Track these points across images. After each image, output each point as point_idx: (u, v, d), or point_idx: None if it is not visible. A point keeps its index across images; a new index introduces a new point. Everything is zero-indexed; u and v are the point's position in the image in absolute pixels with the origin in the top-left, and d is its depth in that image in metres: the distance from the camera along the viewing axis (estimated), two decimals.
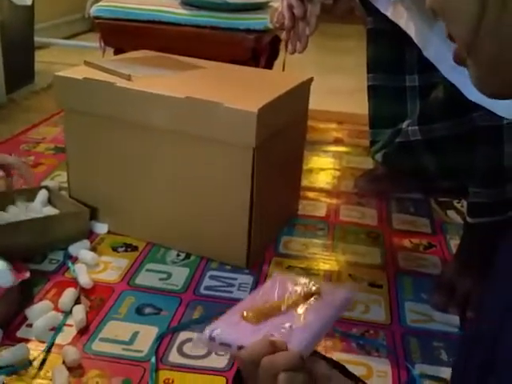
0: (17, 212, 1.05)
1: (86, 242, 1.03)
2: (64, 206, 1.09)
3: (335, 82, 2.20)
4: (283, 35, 0.94)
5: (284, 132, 1.05)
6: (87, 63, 1.05)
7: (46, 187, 1.13)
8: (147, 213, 1.05)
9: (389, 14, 0.91)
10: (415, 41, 0.87)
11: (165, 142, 0.99)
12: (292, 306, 0.53)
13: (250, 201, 0.96)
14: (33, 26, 2.14)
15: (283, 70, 1.51)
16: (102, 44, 1.34)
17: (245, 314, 0.51)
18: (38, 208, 1.07)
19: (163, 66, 1.10)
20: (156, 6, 1.33)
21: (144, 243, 1.06)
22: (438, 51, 0.82)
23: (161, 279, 0.96)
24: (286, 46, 0.95)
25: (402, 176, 1.15)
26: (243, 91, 1.02)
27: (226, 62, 1.20)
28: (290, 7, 0.90)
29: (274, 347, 0.46)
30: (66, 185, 1.25)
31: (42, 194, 1.10)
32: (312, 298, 0.54)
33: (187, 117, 0.94)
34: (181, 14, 1.30)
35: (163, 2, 1.36)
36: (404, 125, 0.99)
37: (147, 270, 0.98)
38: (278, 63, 1.60)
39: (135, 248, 1.05)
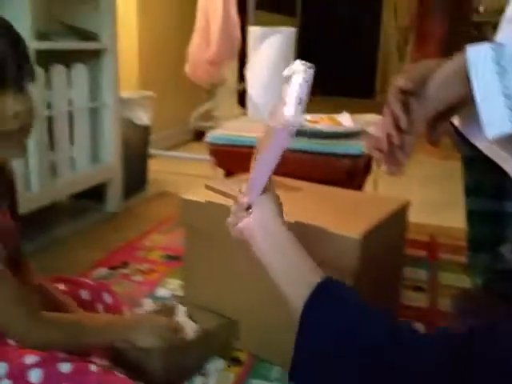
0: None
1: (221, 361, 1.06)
2: (203, 319, 1.13)
3: (427, 194, 2.25)
4: (378, 155, 0.98)
5: (383, 255, 1.11)
6: (208, 187, 1.20)
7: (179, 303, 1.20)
8: (254, 326, 1.12)
9: (486, 151, 0.97)
10: None
11: None
12: None
13: None
14: (148, 141, 2.42)
15: (375, 187, 1.59)
16: (215, 165, 1.51)
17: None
18: (190, 324, 1.11)
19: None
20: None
21: (248, 355, 1.12)
22: None
23: None
24: (379, 165, 1.00)
25: (502, 300, 1.15)
26: (344, 215, 1.10)
27: (322, 183, 1.30)
28: (389, 136, 0.98)
29: None
30: (177, 293, 1.38)
31: (181, 310, 1.16)
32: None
33: None
34: None
35: None
36: (504, 250, 1.01)
37: None
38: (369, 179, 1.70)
39: (239, 361, 1.10)
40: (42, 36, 1.67)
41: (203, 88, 3.44)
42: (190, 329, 1.08)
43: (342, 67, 5.76)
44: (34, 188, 1.68)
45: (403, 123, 0.85)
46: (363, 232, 0.98)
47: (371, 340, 0.60)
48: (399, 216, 1.17)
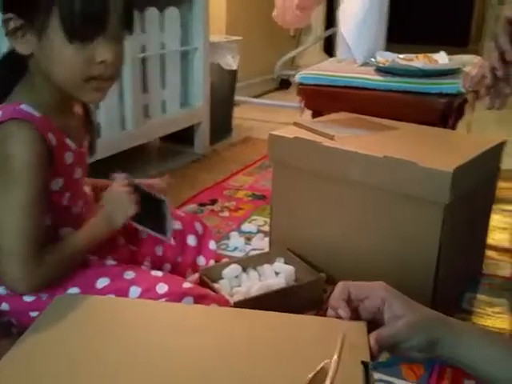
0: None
1: None
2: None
3: None
4: (482, 91, 0.98)
5: (474, 192, 1.09)
6: (296, 124, 1.22)
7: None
8: (333, 256, 1.15)
9: None
10: None
11: (359, 194, 1.10)
12: None
13: (438, 256, 1.01)
14: (234, 87, 2.46)
15: (468, 131, 1.54)
16: (302, 106, 1.52)
17: None
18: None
19: (361, 127, 1.23)
20: (352, 73, 1.48)
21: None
22: None
23: None
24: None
25: None
26: (437, 152, 1.09)
27: (416, 123, 1.28)
28: (493, 69, 0.95)
29: None
30: (263, 228, 1.44)
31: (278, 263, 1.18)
32: None
33: (384, 174, 1.04)
34: (375, 79, 1.43)
35: (359, 70, 1.50)
36: None
37: None
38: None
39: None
40: None
41: (289, 36, 3.41)
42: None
43: (434, 13, 5.43)
44: (129, 127, 1.78)
45: (509, 55, 0.83)
46: (455, 166, 0.97)
47: None
48: (493, 155, 1.14)
